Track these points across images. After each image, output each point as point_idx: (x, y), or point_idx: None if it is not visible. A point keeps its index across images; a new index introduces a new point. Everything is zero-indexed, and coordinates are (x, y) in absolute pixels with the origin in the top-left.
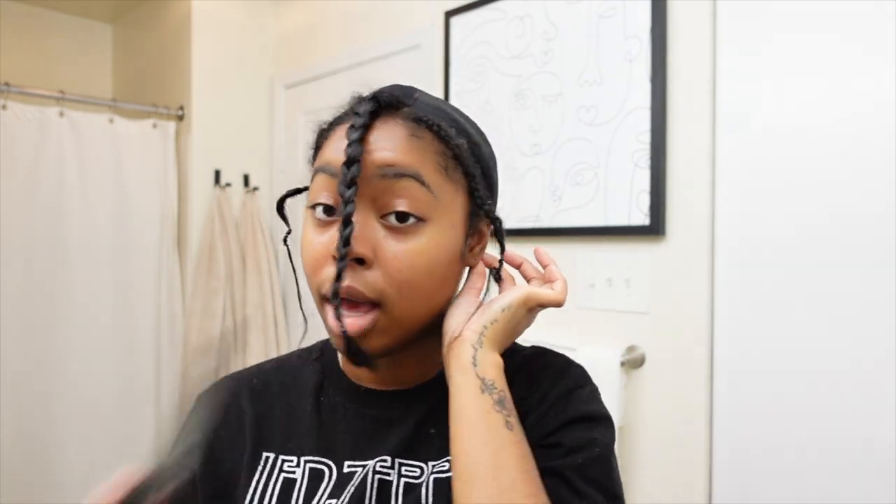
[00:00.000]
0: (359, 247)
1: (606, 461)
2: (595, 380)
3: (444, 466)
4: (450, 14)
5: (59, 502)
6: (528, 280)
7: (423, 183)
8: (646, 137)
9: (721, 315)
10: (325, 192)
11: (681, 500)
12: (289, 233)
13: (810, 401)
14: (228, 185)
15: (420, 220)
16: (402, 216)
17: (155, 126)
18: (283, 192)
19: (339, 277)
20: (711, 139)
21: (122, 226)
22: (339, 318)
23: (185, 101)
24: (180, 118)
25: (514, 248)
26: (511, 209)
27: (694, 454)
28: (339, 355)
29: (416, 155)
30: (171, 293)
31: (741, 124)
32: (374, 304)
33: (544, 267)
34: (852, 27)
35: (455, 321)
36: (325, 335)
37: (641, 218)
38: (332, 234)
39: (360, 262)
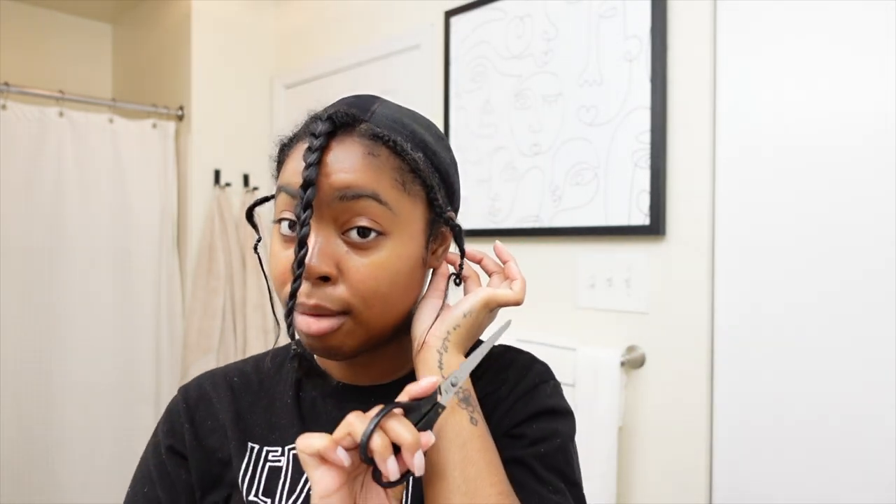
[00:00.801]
0: (323, 265)
1: (567, 451)
2: (595, 380)
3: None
4: (450, 14)
5: (59, 502)
6: (489, 274)
7: (380, 201)
8: (646, 137)
9: (721, 315)
10: (287, 209)
11: (681, 500)
12: (258, 240)
13: (810, 400)
14: (228, 184)
15: (380, 234)
16: (362, 231)
17: (155, 126)
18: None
19: (293, 296)
20: (711, 139)
21: (122, 226)
22: (292, 335)
23: (185, 101)
24: (180, 118)
25: (513, 249)
26: (511, 209)
27: (694, 454)
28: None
29: (373, 174)
30: (171, 293)
31: (741, 124)
32: (342, 313)
33: (504, 263)
34: (853, 27)
35: (421, 326)
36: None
37: (641, 218)
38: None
39: (325, 278)
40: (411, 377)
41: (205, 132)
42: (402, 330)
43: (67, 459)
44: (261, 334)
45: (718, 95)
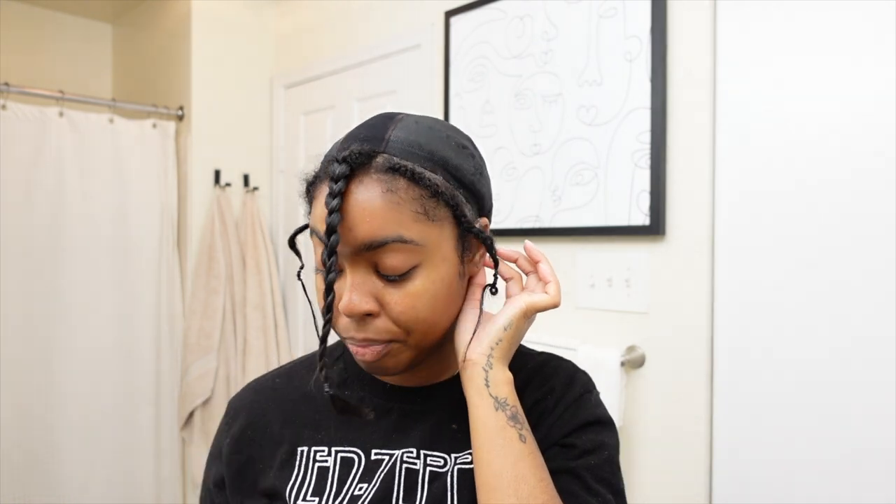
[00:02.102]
0: (363, 304)
1: (613, 462)
2: (595, 380)
3: (466, 458)
4: (450, 14)
5: (59, 502)
6: (525, 273)
7: (405, 241)
8: (646, 137)
9: (721, 315)
10: (318, 248)
11: (681, 500)
12: (301, 268)
13: (811, 400)
14: (228, 184)
15: (412, 267)
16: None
17: (155, 126)
18: (296, 228)
19: (323, 341)
20: (711, 139)
21: (122, 226)
22: (326, 378)
23: (185, 101)
24: (180, 118)
25: (514, 249)
26: (511, 209)
27: (694, 454)
28: None
29: (393, 214)
30: (171, 293)
31: (741, 124)
32: (390, 340)
33: (535, 263)
34: (854, 25)
35: (462, 339)
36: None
37: (641, 218)
38: (338, 286)
39: (368, 314)
40: (455, 381)
41: (205, 132)
42: (445, 339)
43: (67, 459)
44: (261, 334)
45: (718, 95)
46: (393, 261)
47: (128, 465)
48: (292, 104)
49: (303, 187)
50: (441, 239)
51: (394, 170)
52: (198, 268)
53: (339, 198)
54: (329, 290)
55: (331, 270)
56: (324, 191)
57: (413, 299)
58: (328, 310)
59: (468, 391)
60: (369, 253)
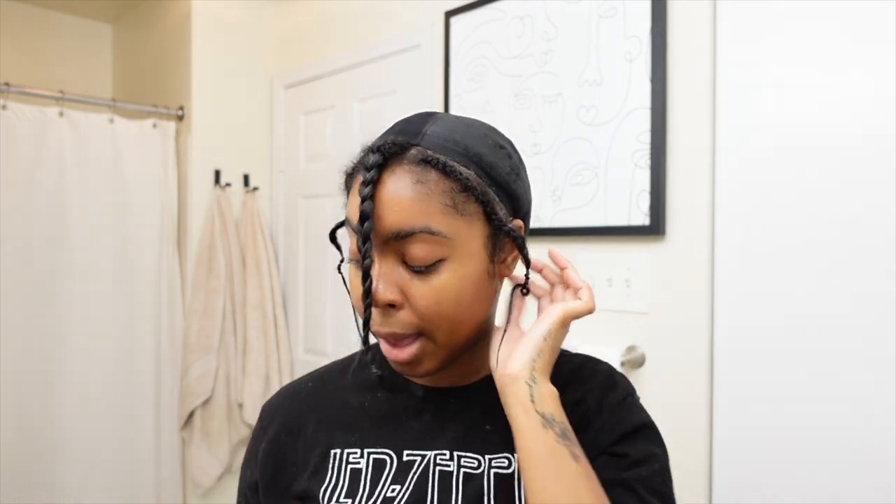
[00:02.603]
0: (388, 294)
1: (665, 472)
2: None
3: (502, 462)
4: (450, 14)
5: (59, 502)
6: (551, 285)
7: (432, 232)
8: (646, 137)
9: (721, 315)
10: (352, 240)
11: (681, 500)
12: (342, 261)
13: (811, 400)
14: (228, 185)
15: (438, 259)
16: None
17: (155, 126)
18: (338, 212)
19: (366, 325)
20: (711, 139)
21: (122, 226)
22: (372, 361)
23: (185, 101)
24: (180, 118)
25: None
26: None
27: (694, 454)
28: None
29: (422, 205)
30: (171, 293)
31: (741, 124)
32: (416, 334)
33: (561, 269)
34: (854, 26)
35: (501, 356)
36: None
37: (641, 218)
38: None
39: (392, 305)
40: (488, 381)
41: (205, 132)
42: (476, 341)
43: (67, 459)
44: (261, 335)
45: (718, 95)
46: (420, 251)
47: (128, 466)
48: (292, 104)
49: (341, 180)
50: (470, 235)
51: (426, 162)
52: (198, 268)
53: (372, 186)
54: (366, 276)
55: (366, 257)
56: (357, 183)
57: (438, 293)
58: (367, 294)
59: (512, 409)
60: (397, 243)
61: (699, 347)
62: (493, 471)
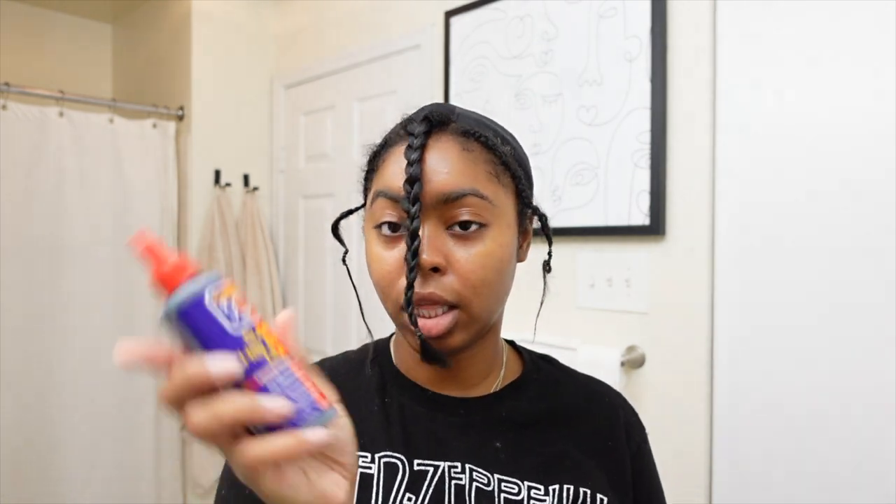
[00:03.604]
0: (433, 256)
1: None
2: None
3: (512, 489)
4: (450, 14)
5: (60, 502)
6: None
7: (480, 196)
8: (646, 137)
9: (721, 315)
10: (388, 210)
11: (681, 500)
12: (346, 252)
13: (810, 400)
14: (228, 185)
15: (482, 225)
16: (465, 224)
17: (155, 126)
18: (338, 212)
19: (410, 286)
20: (711, 139)
21: (122, 226)
22: (414, 323)
23: (185, 101)
24: (180, 118)
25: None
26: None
27: (694, 454)
28: (395, 357)
29: (470, 170)
30: None
31: (741, 124)
32: (451, 305)
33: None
34: (854, 26)
35: None
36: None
37: (641, 218)
38: (401, 248)
39: (436, 269)
40: (500, 395)
41: (205, 132)
42: (493, 325)
43: (68, 458)
44: None
45: (718, 95)
46: (467, 215)
47: (128, 465)
48: (292, 104)
49: (365, 160)
50: (507, 205)
51: (469, 133)
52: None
53: (421, 150)
54: (414, 236)
55: (415, 217)
56: (396, 153)
57: (482, 259)
58: (414, 255)
59: None
60: (445, 207)
61: (699, 347)
62: (503, 495)
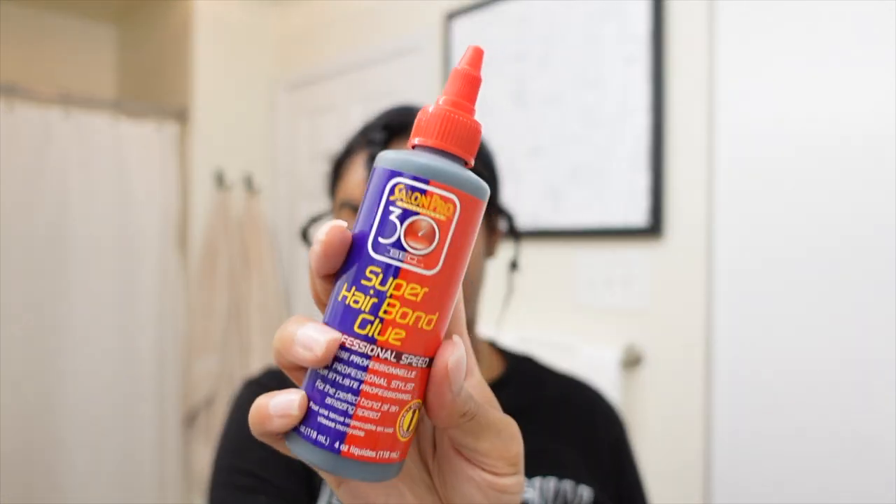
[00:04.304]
0: None
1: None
2: (594, 379)
3: None
4: (450, 16)
5: (60, 502)
6: None
7: None
8: (645, 138)
9: (720, 315)
10: (352, 220)
11: (679, 499)
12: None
13: (809, 400)
14: (231, 186)
15: None
16: None
17: (158, 127)
18: (306, 218)
19: None
20: (710, 139)
21: (125, 227)
22: None
23: (188, 103)
24: (183, 120)
25: (513, 249)
26: (510, 210)
27: (692, 453)
28: None
29: None
30: (174, 294)
31: (740, 124)
32: None
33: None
34: (854, 27)
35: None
36: None
37: (640, 218)
38: None
39: None
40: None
41: (207, 133)
42: (471, 328)
43: (69, 459)
44: (263, 335)
45: (718, 96)
46: None
47: (130, 465)
48: (294, 106)
49: (330, 167)
50: None
51: None
52: (200, 268)
53: None
54: None
55: None
56: (357, 161)
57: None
58: None
59: None
60: None
61: (698, 347)
62: None
